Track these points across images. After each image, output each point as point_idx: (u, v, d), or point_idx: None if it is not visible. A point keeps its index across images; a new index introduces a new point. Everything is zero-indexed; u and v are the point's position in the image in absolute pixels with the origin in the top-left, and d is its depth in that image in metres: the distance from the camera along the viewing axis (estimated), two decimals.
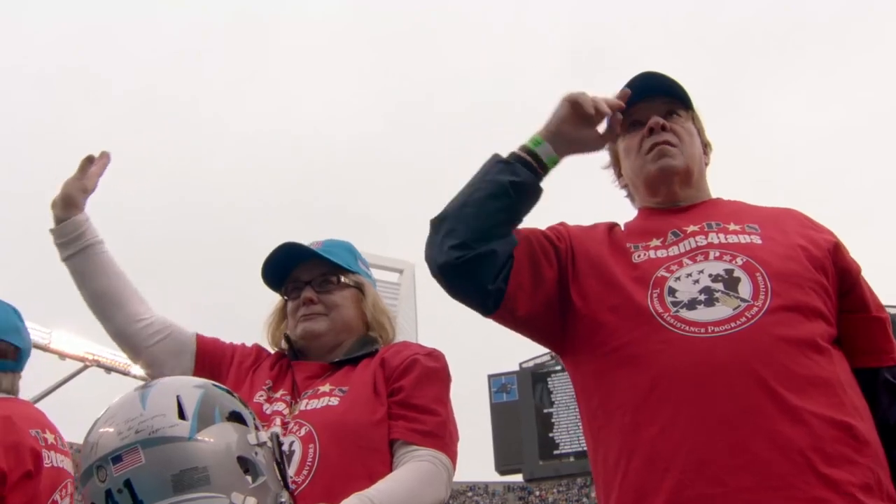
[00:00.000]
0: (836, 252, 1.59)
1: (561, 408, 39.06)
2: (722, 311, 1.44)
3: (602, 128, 1.68)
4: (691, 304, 1.47)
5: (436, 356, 1.89)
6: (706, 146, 1.81)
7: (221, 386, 1.45)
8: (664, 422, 1.40)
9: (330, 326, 1.93)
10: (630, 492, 1.42)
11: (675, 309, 1.48)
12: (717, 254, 1.54)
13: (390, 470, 1.69)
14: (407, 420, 1.74)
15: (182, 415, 1.31)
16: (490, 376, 41.88)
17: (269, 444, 1.40)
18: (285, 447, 1.65)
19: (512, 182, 1.57)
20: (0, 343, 2.37)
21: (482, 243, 1.53)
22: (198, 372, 1.91)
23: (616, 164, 1.83)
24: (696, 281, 1.51)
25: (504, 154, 1.63)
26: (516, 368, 41.36)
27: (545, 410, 39.98)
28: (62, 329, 49.41)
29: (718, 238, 1.58)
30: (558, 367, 37.47)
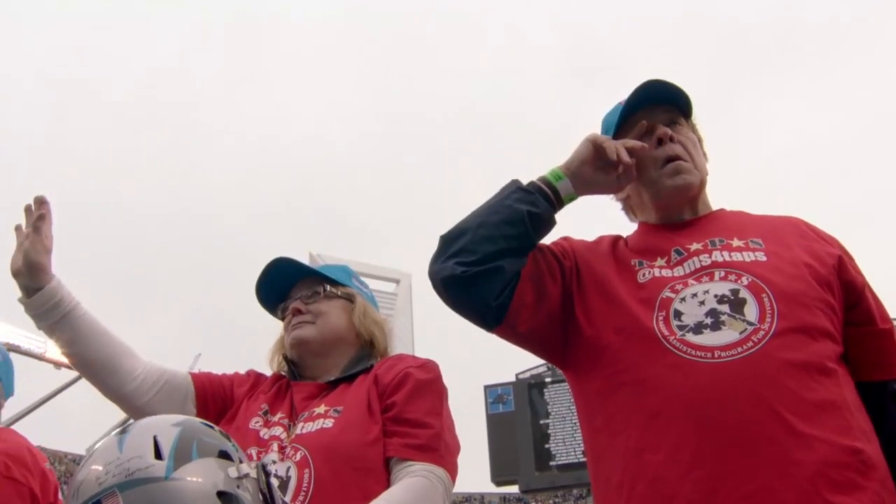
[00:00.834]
0: (841, 266, 1.58)
1: (557, 419, 38.92)
2: (728, 335, 1.43)
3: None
4: (697, 328, 1.46)
5: (429, 367, 1.88)
6: (704, 155, 1.79)
7: (203, 421, 1.45)
8: (670, 448, 1.38)
9: (317, 333, 1.93)
10: None
11: (681, 333, 1.46)
12: (723, 273, 1.53)
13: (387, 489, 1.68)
14: (400, 436, 1.74)
15: (158, 454, 1.31)
16: (486, 387, 41.73)
17: (254, 475, 1.39)
18: (282, 473, 1.67)
19: (530, 212, 1.57)
20: None
21: (490, 262, 1.53)
22: (200, 412, 1.90)
23: None
24: (702, 302, 1.49)
25: (524, 181, 1.63)
26: (513, 379, 41.21)
27: (541, 421, 39.85)
28: None
29: (723, 256, 1.57)
30: (554, 379, 37.42)
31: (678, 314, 1.49)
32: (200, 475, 1.31)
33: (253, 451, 1.74)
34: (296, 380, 1.96)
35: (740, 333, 1.43)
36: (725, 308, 1.47)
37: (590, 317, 1.59)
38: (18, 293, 1.85)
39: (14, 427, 2.82)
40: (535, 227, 1.59)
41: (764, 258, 1.55)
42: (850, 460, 1.33)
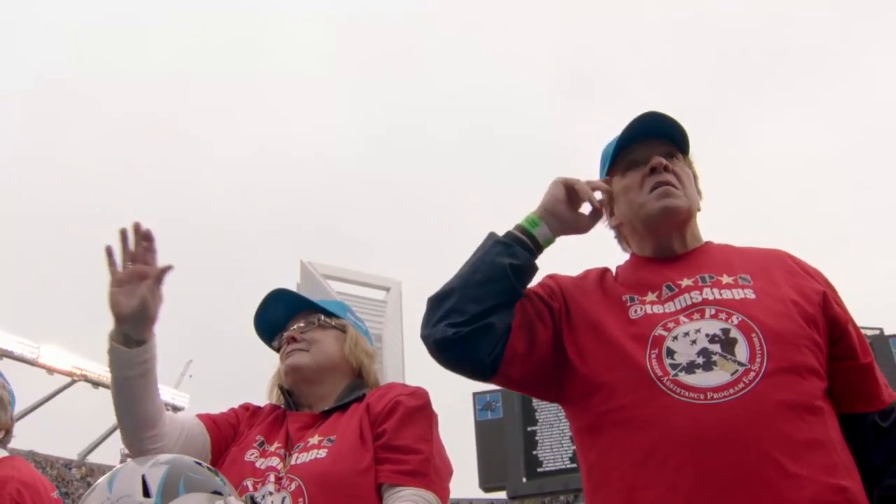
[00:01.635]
0: (826, 303, 1.62)
1: (545, 426, 38.96)
2: (720, 376, 1.46)
3: (587, 208, 1.72)
4: (689, 368, 1.48)
5: (418, 395, 1.92)
6: (699, 194, 1.81)
7: (192, 459, 1.51)
8: (665, 487, 1.41)
9: (311, 360, 1.98)
10: None
11: (673, 372, 1.49)
12: (713, 311, 1.55)
13: None
14: (391, 462, 1.77)
15: (147, 493, 1.36)
16: (475, 394, 41.75)
17: None
18: (278, 503, 1.71)
19: (511, 265, 1.60)
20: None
21: (480, 321, 1.56)
22: (215, 457, 1.91)
23: (609, 202, 1.81)
24: (694, 342, 1.52)
25: (500, 233, 1.67)
26: (501, 387, 41.36)
27: (529, 428, 39.87)
28: (51, 344, 49.02)
29: (713, 294, 1.59)
30: None
31: (671, 352, 1.51)
32: None
33: (249, 483, 1.78)
34: (291, 409, 2.00)
35: (731, 374, 1.45)
36: (717, 348, 1.49)
37: (583, 356, 1.61)
38: (102, 328, 1.75)
39: None
40: (519, 278, 1.62)
41: (753, 296, 1.58)
42: (838, 498, 1.37)
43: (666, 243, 1.72)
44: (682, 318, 1.56)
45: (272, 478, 1.77)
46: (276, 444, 1.88)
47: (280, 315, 2.09)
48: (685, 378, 1.47)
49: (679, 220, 1.71)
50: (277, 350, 2.08)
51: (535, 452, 39.55)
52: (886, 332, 37.85)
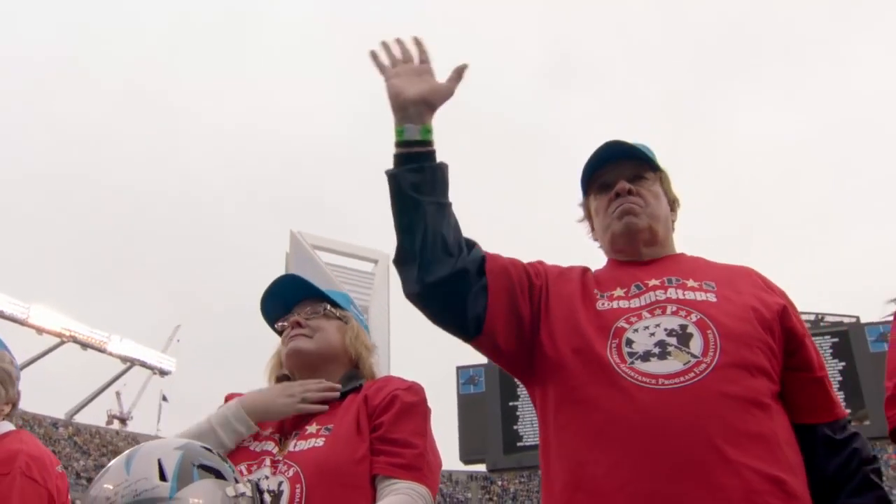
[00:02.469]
0: (784, 315, 1.68)
1: (526, 401, 39.28)
2: (673, 364, 1.53)
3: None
4: (645, 356, 1.55)
5: (415, 390, 1.97)
6: (674, 202, 1.91)
7: (203, 445, 1.59)
8: (610, 463, 1.48)
9: (314, 346, 2.03)
10: None
11: (630, 360, 1.56)
12: (674, 308, 1.64)
13: None
14: (386, 454, 1.82)
15: (163, 476, 1.42)
16: (458, 368, 41.82)
17: (249, 493, 1.53)
18: (274, 487, 1.75)
19: (414, 185, 1.65)
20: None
21: (448, 256, 1.65)
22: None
23: (589, 218, 1.96)
24: (653, 334, 1.59)
25: (390, 166, 1.69)
26: (485, 361, 41.48)
27: (510, 403, 40.17)
28: (41, 304, 49.13)
29: (677, 294, 1.67)
30: None
31: (630, 342, 1.59)
32: (201, 495, 1.43)
33: (243, 466, 1.81)
34: None
35: (684, 364, 1.52)
36: (673, 340, 1.57)
37: (553, 337, 1.70)
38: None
39: None
40: (434, 185, 1.68)
41: (714, 299, 1.66)
42: (774, 489, 1.42)
43: (634, 255, 1.83)
44: (644, 313, 1.65)
45: (268, 461, 1.82)
46: (269, 430, 1.93)
47: (287, 299, 2.13)
48: (640, 365, 1.54)
49: (641, 238, 1.81)
50: (279, 333, 2.12)
51: (515, 427, 39.97)
52: (863, 321, 38.34)
